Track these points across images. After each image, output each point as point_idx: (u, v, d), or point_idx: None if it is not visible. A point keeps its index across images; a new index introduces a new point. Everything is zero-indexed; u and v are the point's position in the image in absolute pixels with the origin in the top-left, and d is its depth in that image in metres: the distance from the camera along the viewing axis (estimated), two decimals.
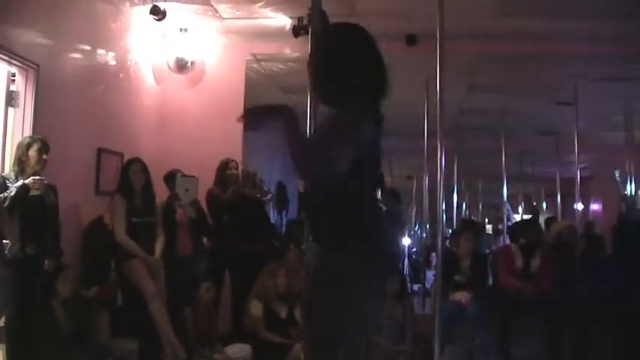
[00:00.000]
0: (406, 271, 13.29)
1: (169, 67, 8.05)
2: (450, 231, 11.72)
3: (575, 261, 7.66)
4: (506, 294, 7.23)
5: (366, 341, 3.09)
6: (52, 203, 5.35)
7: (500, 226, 16.08)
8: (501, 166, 10.88)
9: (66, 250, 5.68)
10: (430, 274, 10.20)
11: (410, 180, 19.80)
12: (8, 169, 5.36)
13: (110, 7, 7.07)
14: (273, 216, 13.97)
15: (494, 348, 6.98)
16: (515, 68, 9.68)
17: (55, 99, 6.04)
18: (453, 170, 13.90)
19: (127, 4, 7.37)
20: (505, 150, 10.92)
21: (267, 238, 7.72)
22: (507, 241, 12.88)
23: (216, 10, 7.64)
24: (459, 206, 18.10)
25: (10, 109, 5.70)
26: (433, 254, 9.31)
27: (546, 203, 20.37)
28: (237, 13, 7.63)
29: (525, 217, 17.06)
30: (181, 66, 8.05)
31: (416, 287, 11.62)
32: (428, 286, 10.16)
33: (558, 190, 13.44)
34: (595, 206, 20.07)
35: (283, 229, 12.91)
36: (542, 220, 12.85)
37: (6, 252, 4.85)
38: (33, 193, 5.04)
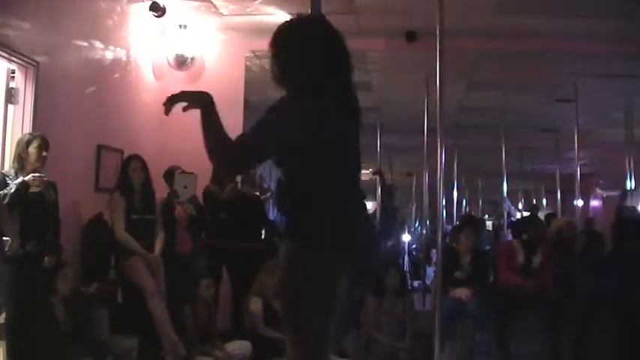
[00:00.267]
0: (406, 267, 13.30)
1: (169, 63, 8.05)
2: (450, 227, 11.73)
3: (575, 257, 7.66)
4: (506, 290, 7.23)
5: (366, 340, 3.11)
6: (51, 200, 5.34)
7: (500, 222, 16.08)
8: (501, 162, 10.89)
9: (66, 247, 5.68)
10: (430, 271, 10.20)
11: (410, 177, 19.81)
12: (8, 166, 5.36)
13: (110, 4, 7.06)
14: (273, 214, 13.97)
15: (494, 345, 6.98)
16: (515, 65, 9.68)
17: (54, 96, 6.04)
18: (453, 167, 13.92)
19: (127, 0, 7.37)
20: (505, 147, 10.94)
21: (266, 236, 7.72)
22: (508, 238, 12.95)
23: (216, 7, 7.64)
24: (459, 203, 18.11)
25: (10, 106, 5.69)
26: (433, 251, 9.30)
27: (546, 200, 20.38)
28: (237, 9, 7.63)
29: (525, 213, 17.05)
30: (181, 62, 8.05)
31: (416, 284, 11.63)
32: (428, 282, 10.16)
33: (558, 187, 13.45)
34: (595, 203, 20.07)
35: None
36: (541, 216, 12.84)
37: (6, 249, 4.85)
38: (33, 190, 5.04)
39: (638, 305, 6.73)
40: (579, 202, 9.96)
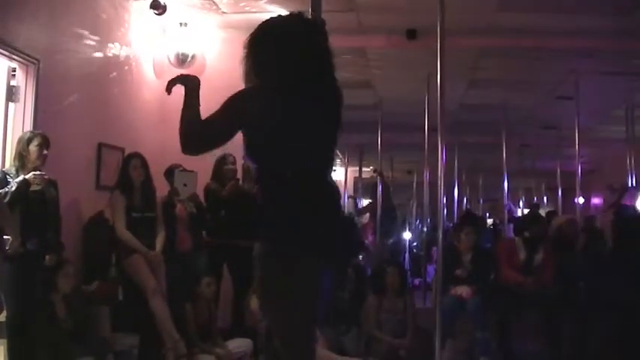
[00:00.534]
0: (407, 265, 13.30)
1: (170, 61, 8.05)
2: (451, 225, 11.73)
3: (576, 255, 7.66)
4: (507, 288, 7.23)
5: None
6: (52, 198, 5.35)
7: (499, 220, 16.08)
8: (502, 160, 10.88)
9: (67, 245, 5.68)
10: (431, 269, 10.22)
11: (410, 174, 19.83)
12: (9, 164, 5.37)
13: (110, 2, 7.06)
14: None
15: (494, 342, 6.99)
16: (516, 63, 9.69)
17: (55, 94, 6.04)
18: (454, 165, 13.92)
19: None
20: (506, 144, 10.93)
21: None
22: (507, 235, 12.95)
23: (216, 5, 7.64)
24: (460, 201, 18.12)
25: (11, 104, 5.69)
26: (434, 248, 9.31)
27: (547, 197, 20.38)
28: (237, 7, 7.63)
29: (526, 211, 17.07)
30: (182, 60, 8.05)
31: (417, 281, 11.64)
32: (429, 280, 10.17)
33: (559, 184, 13.45)
34: (596, 200, 20.07)
35: None
36: (542, 214, 12.84)
37: (7, 247, 4.85)
38: (34, 188, 5.05)
39: (638, 303, 6.73)
40: (580, 200, 9.95)
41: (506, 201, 11.83)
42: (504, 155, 10.86)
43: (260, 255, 2.95)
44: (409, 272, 11.10)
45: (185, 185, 6.51)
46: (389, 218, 11.97)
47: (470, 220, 11.85)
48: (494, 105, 11.07)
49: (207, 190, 7.04)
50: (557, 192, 13.68)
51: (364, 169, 17.24)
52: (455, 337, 7.10)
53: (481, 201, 21.70)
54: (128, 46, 7.42)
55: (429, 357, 5.46)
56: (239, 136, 3.02)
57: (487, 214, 20.18)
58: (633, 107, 10.53)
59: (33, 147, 5.15)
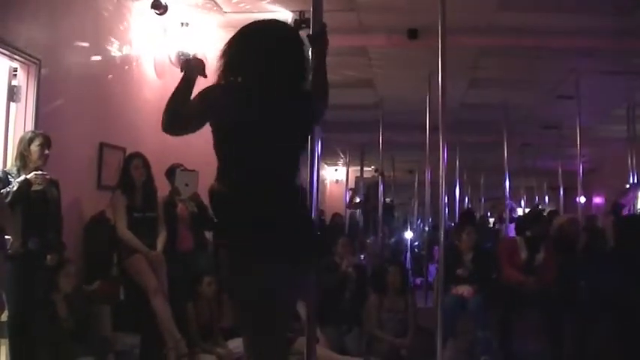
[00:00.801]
0: (408, 264, 13.31)
1: (171, 61, 8.04)
2: (452, 224, 11.74)
3: (577, 254, 7.66)
4: (508, 287, 7.23)
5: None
6: (54, 198, 5.35)
7: (499, 218, 16.08)
8: (503, 159, 10.88)
9: (68, 245, 5.68)
10: (432, 268, 10.22)
11: (412, 174, 19.85)
12: (10, 164, 5.37)
13: (111, 2, 7.05)
14: None
15: (496, 342, 6.99)
16: (517, 62, 9.69)
17: (56, 94, 6.04)
18: (455, 164, 13.92)
19: None
20: (507, 143, 10.93)
21: None
22: (506, 234, 12.94)
23: (218, 5, 7.64)
24: (462, 200, 18.12)
25: (12, 104, 5.69)
26: (435, 248, 9.31)
27: (548, 196, 20.39)
28: (239, 7, 7.64)
29: (527, 210, 17.06)
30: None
31: (418, 281, 11.64)
32: (430, 279, 10.17)
33: (560, 184, 13.45)
34: (597, 199, 20.07)
35: None
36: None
37: (8, 247, 4.85)
38: (35, 188, 5.05)
39: (639, 302, 6.73)
40: (582, 199, 9.95)
41: (507, 200, 11.81)
42: (505, 154, 10.86)
43: (218, 255, 3.10)
44: (410, 271, 11.11)
45: (186, 185, 6.50)
46: (389, 215, 12.00)
47: (469, 218, 11.88)
48: (495, 104, 11.06)
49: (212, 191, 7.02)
50: (559, 191, 13.68)
51: (365, 168, 17.25)
52: (456, 336, 7.11)
53: (482, 200, 21.70)
54: (129, 45, 7.41)
55: (431, 356, 5.47)
56: None
57: (489, 213, 20.18)
58: (634, 106, 10.52)
59: (34, 147, 5.16)
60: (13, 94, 5.68)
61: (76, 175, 6.29)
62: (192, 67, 3.26)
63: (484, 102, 11.71)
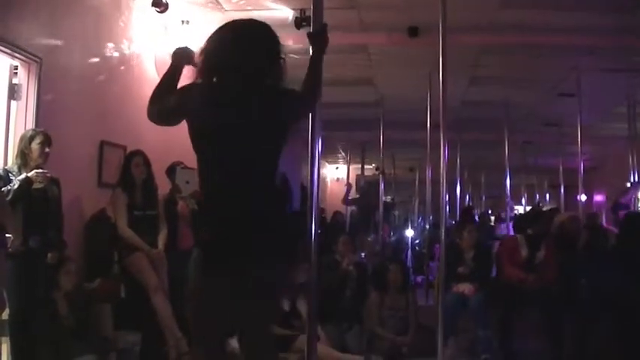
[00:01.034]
0: (409, 262, 13.30)
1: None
2: (453, 222, 11.74)
3: (578, 252, 7.65)
4: (509, 286, 7.22)
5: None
6: (54, 196, 5.35)
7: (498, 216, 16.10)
8: (504, 157, 10.88)
9: (69, 243, 5.69)
10: (433, 266, 10.21)
11: (412, 172, 19.85)
12: (11, 162, 5.37)
13: (112, 0, 7.05)
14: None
15: (496, 340, 6.99)
16: (518, 60, 9.68)
17: (57, 92, 6.04)
18: (456, 162, 13.92)
19: None
20: (508, 141, 10.93)
21: None
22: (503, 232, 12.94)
23: (218, 2, 7.64)
24: (463, 198, 18.13)
25: (13, 102, 5.69)
26: (437, 246, 9.31)
27: (549, 194, 20.37)
28: (239, 5, 7.64)
29: (528, 208, 17.06)
30: None
31: (419, 279, 11.64)
32: (431, 277, 10.17)
33: (561, 182, 13.44)
34: (598, 197, 20.06)
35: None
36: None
37: (9, 245, 4.85)
38: (36, 186, 5.06)
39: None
40: (582, 197, 9.94)
41: (508, 199, 11.82)
42: (506, 152, 10.86)
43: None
44: (411, 270, 11.11)
45: (187, 182, 6.47)
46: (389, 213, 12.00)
47: (469, 216, 11.88)
48: (496, 102, 11.07)
49: None
50: (560, 189, 13.68)
51: (366, 166, 17.26)
52: (457, 334, 7.11)
53: (483, 198, 21.70)
54: (130, 43, 7.42)
55: (431, 354, 5.47)
56: None
57: (489, 212, 20.19)
58: (635, 104, 10.52)
59: (35, 145, 5.16)
60: (13, 92, 5.68)
61: (76, 173, 6.29)
62: (179, 56, 3.36)
63: (485, 100, 11.71)
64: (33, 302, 5.11)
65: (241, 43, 3.19)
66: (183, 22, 7.87)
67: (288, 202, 3.10)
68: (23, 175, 5.02)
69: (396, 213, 21.69)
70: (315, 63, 3.36)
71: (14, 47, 5.43)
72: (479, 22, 7.97)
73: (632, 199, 10.10)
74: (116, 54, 7.16)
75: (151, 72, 7.83)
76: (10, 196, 4.91)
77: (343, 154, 18.13)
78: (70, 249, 5.72)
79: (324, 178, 22.27)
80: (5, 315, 5.04)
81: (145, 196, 6.33)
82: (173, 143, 7.36)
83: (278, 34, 3.26)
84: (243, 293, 3.08)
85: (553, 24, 8.03)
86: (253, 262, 3.04)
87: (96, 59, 6.80)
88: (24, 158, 5.16)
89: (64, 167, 5.68)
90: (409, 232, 16.03)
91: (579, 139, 9.39)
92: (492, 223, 17.08)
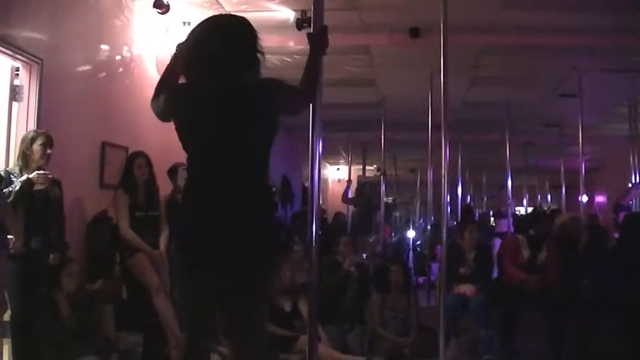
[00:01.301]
0: (411, 263, 13.31)
1: (175, 59, 8.04)
2: (454, 223, 11.74)
3: (579, 253, 7.65)
4: (510, 286, 7.22)
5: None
6: (56, 197, 5.36)
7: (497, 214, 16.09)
8: (505, 158, 10.87)
9: (71, 244, 5.70)
10: (435, 267, 10.21)
11: (414, 173, 19.85)
12: (12, 164, 5.37)
13: (114, 1, 7.06)
14: (277, 209, 13.97)
15: (498, 340, 6.99)
16: (519, 60, 9.68)
17: (58, 93, 6.04)
18: (457, 163, 13.92)
19: None
20: (509, 142, 10.92)
21: None
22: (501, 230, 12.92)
23: (219, 3, 7.64)
24: (464, 198, 18.13)
25: (14, 104, 5.69)
26: (438, 247, 9.31)
27: (551, 195, 20.35)
28: (241, 6, 7.63)
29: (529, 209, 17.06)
30: None
31: (421, 280, 11.65)
32: (433, 278, 10.17)
33: (563, 182, 13.43)
34: (600, 198, 20.05)
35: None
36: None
37: (10, 247, 4.85)
38: (37, 187, 5.06)
39: None
40: (584, 198, 9.93)
41: (509, 199, 11.79)
42: (508, 153, 10.85)
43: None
44: (413, 270, 11.12)
45: None
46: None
47: (469, 215, 11.87)
48: (497, 102, 11.05)
49: None
50: (561, 190, 13.66)
51: (368, 167, 17.25)
52: (458, 335, 7.12)
53: (485, 198, 21.70)
54: (131, 44, 7.42)
55: (433, 355, 5.46)
56: None
57: (491, 212, 20.18)
58: (636, 104, 10.51)
59: (36, 146, 5.16)
60: (15, 93, 5.68)
61: (78, 174, 6.30)
62: (180, 50, 3.37)
63: (486, 100, 11.71)
64: (35, 303, 5.11)
65: (214, 38, 3.21)
66: (184, 23, 7.88)
67: (272, 201, 3.04)
68: (25, 177, 5.02)
69: (398, 214, 21.69)
70: (314, 64, 3.34)
71: (15, 48, 5.43)
72: (480, 23, 7.97)
73: (633, 200, 10.08)
74: (117, 55, 7.16)
75: (152, 73, 7.84)
76: (11, 198, 4.92)
77: (344, 155, 18.11)
78: (71, 250, 5.72)
79: (326, 179, 22.27)
80: (7, 316, 5.04)
81: (146, 197, 6.33)
82: (174, 144, 7.36)
83: (257, 30, 3.27)
84: (214, 292, 3.12)
85: (554, 24, 8.02)
86: (225, 260, 3.04)
87: (97, 60, 6.80)
88: (25, 159, 5.16)
89: (65, 168, 5.69)
90: (410, 233, 16.03)
91: (580, 140, 9.37)
92: (493, 224, 17.09)
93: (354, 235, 9.74)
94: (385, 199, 12.19)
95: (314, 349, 3.42)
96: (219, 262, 3.05)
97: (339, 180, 22.40)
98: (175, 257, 3.18)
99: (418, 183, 19.19)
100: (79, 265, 5.84)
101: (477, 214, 18.23)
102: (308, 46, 3.41)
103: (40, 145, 5.17)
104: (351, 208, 14.80)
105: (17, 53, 5.50)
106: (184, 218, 3.23)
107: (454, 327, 6.92)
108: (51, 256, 5.23)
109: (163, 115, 3.32)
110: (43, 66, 5.76)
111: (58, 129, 5.61)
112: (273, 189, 8.02)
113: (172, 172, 6.74)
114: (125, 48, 7.30)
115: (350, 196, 14.89)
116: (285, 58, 8.88)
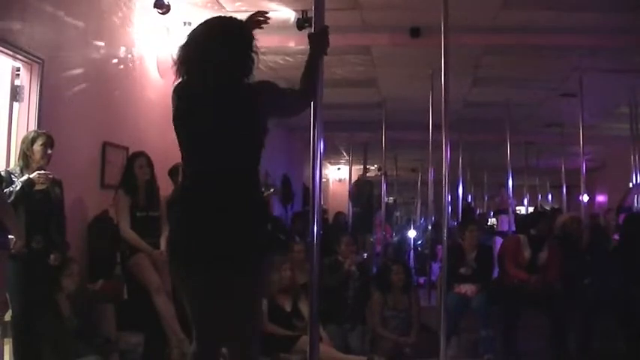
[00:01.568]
0: (412, 263, 13.31)
1: (174, 60, 8.04)
2: (455, 223, 11.73)
3: (580, 253, 7.65)
4: (511, 286, 7.22)
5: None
6: (57, 197, 5.36)
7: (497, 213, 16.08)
8: (506, 157, 10.87)
9: (71, 244, 5.70)
10: (436, 267, 10.22)
11: (415, 172, 19.86)
12: (13, 164, 5.37)
13: (114, 1, 7.06)
14: (278, 209, 14.00)
15: (499, 340, 6.99)
16: (520, 60, 9.68)
17: (59, 93, 6.05)
18: (458, 163, 13.93)
19: None
20: (510, 142, 10.92)
21: (270, 232, 7.72)
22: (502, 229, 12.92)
23: (220, 4, 7.65)
24: (465, 198, 18.13)
25: (15, 104, 5.69)
26: (439, 246, 9.31)
27: (552, 195, 20.34)
28: (241, 6, 7.63)
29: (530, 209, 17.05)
30: None
31: (422, 279, 11.65)
32: (433, 278, 10.17)
33: (564, 182, 13.42)
34: (600, 198, 20.05)
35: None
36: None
37: (11, 247, 4.86)
38: (38, 187, 5.07)
39: None
40: (585, 198, 9.94)
41: (510, 199, 11.78)
42: (508, 153, 10.85)
43: None
44: (414, 270, 11.11)
45: None
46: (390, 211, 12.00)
47: (469, 214, 11.87)
48: (498, 102, 11.05)
49: None
50: (562, 190, 13.66)
51: (369, 167, 17.25)
52: (459, 334, 7.12)
53: (486, 198, 21.69)
54: (132, 45, 7.42)
55: (434, 355, 5.46)
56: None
57: (491, 213, 20.17)
58: (637, 104, 10.51)
59: (37, 146, 5.16)
60: (16, 93, 5.68)
61: (79, 174, 6.30)
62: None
63: (487, 100, 11.71)
64: (36, 303, 5.12)
65: (207, 38, 3.27)
66: (185, 23, 7.87)
67: (260, 203, 3.03)
68: (25, 177, 5.03)
69: (398, 214, 21.70)
70: (314, 64, 3.34)
71: (16, 49, 5.43)
72: (481, 23, 7.97)
73: (635, 201, 10.08)
74: (118, 55, 7.16)
75: (153, 73, 7.85)
76: (12, 198, 4.92)
77: (345, 154, 18.11)
78: (72, 250, 5.73)
79: (327, 179, 22.27)
80: (8, 316, 5.05)
81: (147, 197, 6.33)
82: (175, 144, 7.36)
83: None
84: (201, 292, 3.15)
85: (555, 24, 8.02)
86: (209, 260, 3.05)
87: (98, 61, 6.80)
88: (26, 160, 5.16)
89: (66, 168, 5.70)
90: (411, 233, 16.04)
91: (581, 140, 9.37)
92: (494, 224, 17.07)
93: (354, 234, 9.75)
94: (386, 198, 12.20)
95: (315, 348, 3.42)
96: (203, 261, 3.07)
97: (340, 180, 22.40)
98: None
99: (419, 183, 19.20)
100: (80, 265, 5.84)
101: (477, 213, 18.25)
102: (309, 46, 3.41)
103: (41, 145, 5.17)
104: (352, 207, 14.82)
105: (18, 53, 5.49)
106: (173, 217, 3.27)
107: (455, 327, 6.92)
108: (52, 256, 5.23)
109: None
110: (43, 66, 5.75)
111: (59, 129, 5.61)
112: (272, 189, 8.05)
113: (173, 172, 6.73)
114: (126, 48, 7.30)
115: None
116: (287, 58, 8.89)
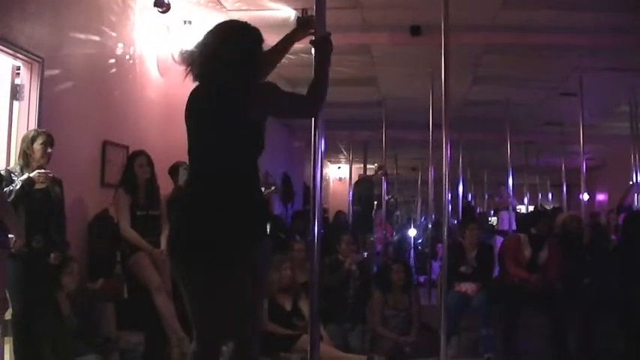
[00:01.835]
0: (412, 262, 13.30)
1: (174, 59, 8.03)
2: (455, 222, 11.72)
3: (580, 252, 7.65)
4: (512, 285, 7.22)
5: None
6: (57, 196, 5.36)
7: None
8: (506, 156, 10.86)
9: (71, 243, 5.70)
10: (436, 265, 10.22)
11: (415, 171, 19.85)
12: (13, 163, 5.37)
13: (114, 0, 7.05)
14: (278, 208, 13.99)
15: (499, 339, 6.99)
16: (520, 59, 9.68)
17: (59, 92, 6.04)
18: (458, 161, 13.92)
19: None
20: (510, 141, 10.92)
21: (270, 231, 7.71)
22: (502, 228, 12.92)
23: (220, 3, 7.64)
24: (465, 197, 18.12)
25: (15, 103, 5.69)
26: (439, 245, 9.31)
27: (552, 194, 20.32)
28: (241, 4, 7.64)
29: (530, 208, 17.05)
30: None
31: (422, 278, 11.64)
32: (434, 277, 10.17)
33: (564, 181, 13.42)
34: (601, 197, 20.05)
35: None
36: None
37: (11, 246, 4.85)
38: (38, 186, 5.06)
39: None
40: (585, 196, 9.93)
41: (510, 198, 11.78)
42: (509, 152, 10.85)
43: None
44: (414, 269, 11.11)
45: None
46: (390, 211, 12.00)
47: (470, 212, 11.86)
48: (498, 101, 11.05)
49: None
50: (562, 189, 13.65)
51: (369, 166, 17.24)
52: (459, 333, 7.11)
53: (486, 197, 21.68)
54: (132, 44, 7.42)
55: (434, 354, 5.46)
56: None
57: (492, 212, 20.16)
58: (637, 103, 10.51)
59: (37, 145, 5.16)
60: (16, 92, 5.68)
61: (79, 173, 6.30)
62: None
63: (487, 99, 11.70)
64: (36, 302, 5.12)
65: (212, 40, 3.27)
66: (185, 22, 7.87)
67: (249, 204, 3.05)
68: (25, 176, 5.02)
69: (398, 213, 21.68)
70: (320, 70, 3.35)
71: (16, 47, 5.43)
72: (481, 22, 7.97)
73: (635, 200, 10.08)
74: (118, 54, 7.16)
75: (153, 72, 7.84)
76: (12, 197, 4.92)
77: (345, 153, 18.11)
78: (72, 249, 5.73)
79: (327, 178, 22.26)
80: (8, 315, 5.05)
81: (147, 196, 6.33)
82: (175, 143, 7.38)
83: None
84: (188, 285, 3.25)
85: (555, 23, 8.02)
86: (210, 260, 3.09)
87: (98, 59, 6.80)
88: (26, 159, 5.16)
89: (66, 167, 5.69)
90: (412, 232, 16.03)
91: (581, 139, 9.36)
92: (494, 223, 17.07)
93: (355, 233, 9.75)
94: (386, 197, 12.19)
95: (315, 347, 3.42)
96: (203, 260, 3.10)
97: (340, 179, 22.39)
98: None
99: (419, 181, 19.17)
100: (80, 264, 5.84)
101: (477, 212, 18.24)
102: (309, 45, 3.42)
103: (41, 144, 5.17)
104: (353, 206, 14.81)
105: (18, 52, 5.49)
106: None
107: (455, 325, 6.92)
108: (52, 255, 5.23)
109: None
110: (43, 65, 5.75)
111: (59, 128, 5.61)
112: (273, 187, 8.03)
113: (173, 170, 6.74)
114: (126, 47, 7.30)
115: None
116: (288, 56, 8.86)
